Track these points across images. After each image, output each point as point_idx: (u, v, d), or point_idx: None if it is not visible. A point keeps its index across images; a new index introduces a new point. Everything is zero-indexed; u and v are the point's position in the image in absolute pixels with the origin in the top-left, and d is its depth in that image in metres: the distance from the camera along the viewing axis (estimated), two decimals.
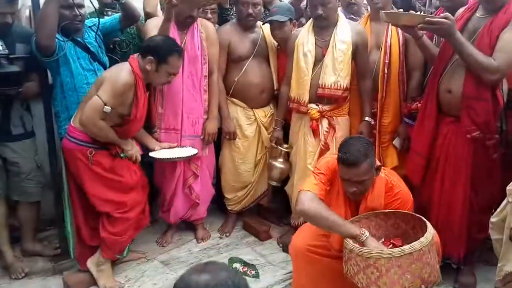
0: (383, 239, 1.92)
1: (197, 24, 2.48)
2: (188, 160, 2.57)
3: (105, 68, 2.41)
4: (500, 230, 1.91)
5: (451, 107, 2.15)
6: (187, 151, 2.48)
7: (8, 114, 2.26)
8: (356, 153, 1.75)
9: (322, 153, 2.50)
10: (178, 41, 2.34)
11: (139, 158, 2.29)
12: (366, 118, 2.49)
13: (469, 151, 2.13)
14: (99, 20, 2.34)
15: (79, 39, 2.29)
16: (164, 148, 2.46)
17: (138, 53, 2.20)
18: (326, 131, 2.49)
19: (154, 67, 2.14)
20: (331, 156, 2.03)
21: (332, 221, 1.78)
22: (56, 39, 2.13)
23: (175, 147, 2.50)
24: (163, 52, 2.13)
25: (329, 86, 2.40)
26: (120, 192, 2.24)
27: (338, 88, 2.41)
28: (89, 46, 2.33)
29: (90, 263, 2.32)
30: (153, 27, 2.31)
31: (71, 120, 2.21)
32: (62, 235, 2.58)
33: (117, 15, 2.47)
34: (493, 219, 1.96)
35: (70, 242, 2.34)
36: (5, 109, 2.24)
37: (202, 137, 2.61)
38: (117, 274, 2.40)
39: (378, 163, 1.87)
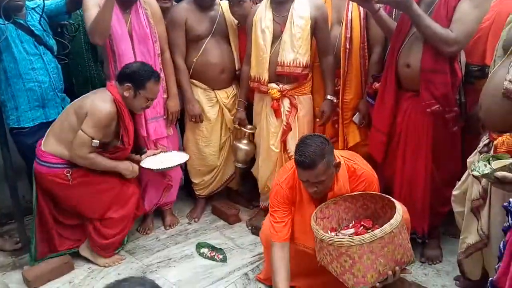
0: (353, 221, 1.92)
1: (139, 1, 2.35)
2: (155, 143, 2.55)
3: (52, 52, 2.28)
4: (462, 203, 1.94)
5: (410, 82, 2.12)
6: (178, 158, 2.53)
7: None
8: (312, 155, 1.70)
9: (284, 133, 2.46)
10: (123, 22, 2.24)
11: (135, 171, 2.34)
12: (328, 97, 2.44)
13: (429, 125, 2.11)
14: (43, 1, 2.20)
15: (21, 21, 2.15)
16: (149, 156, 2.46)
17: (115, 80, 2.20)
18: (288, 111, 2.44)
19: (132, 93, 2.16)
20: (275, 181, 2.00)
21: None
22: None
23: (159, 153, 2.52)
24: (140, 78, 2.15)
25: (288, 64, 2.34)
26: (112, 192, 2.27)
27: (298, 65, 2.34)
28: (33, 28, 2.19)
29: (82, 250, 2.38)
30: (93, 4, 2.16)
31: (41, 145, 2.18)
32: (22, 229, 2.52)
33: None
34: (454, 192, 1.99)
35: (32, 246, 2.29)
36: None
37: (165, 117, 2.55)
38: (80, 266, 2.35)
39: (337, 159, 1.82)
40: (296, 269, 1.99)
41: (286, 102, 2.44)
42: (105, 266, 2.34)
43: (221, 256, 2.43)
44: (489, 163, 1.40)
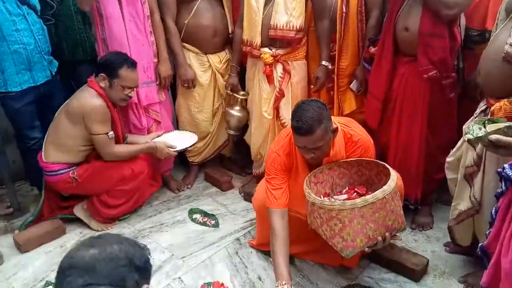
0: (347, 188, 1.91)
1: None
2: (146, 109, 2.51)
3: (35, 12, 2.18)
4: (456, 170, 1.93)
5: (408, 46, 2.07)
6: (187, 137, 2.57)
7: None
8: (309, 121, 1.65)
9: (277, 99, 2.41)
10: None
11: (172, 153, 2.42)
12: (323, 62, 2.37)
13: (425, 91, 2.08)
14: None
15: None
16: (153, 137, 2.48)
17: (93, 74, 2.19)
18: (280, 77, 2.37)
19: (108, 83, 2.15)
20: (272, 149, 1.94)
21: (273, 257, 1.80)
22: None
23: (162, 134, 2.53)
24: (111, 66, 2.13)
25: (281, 27, 2.25)
26: (117, 175, 2.28)
27: (291, 28, 2.25)
28: None
29: (77, 211, 2.37)
30: None
31: (42, 157, 2.24)
32: (13, 193, 2.50)
33: None
34: (449, 158, 1.98)
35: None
36: None
37: (157, 82, 2.49)
38: (72, 230, 2.35)
39: (334, 125, 1.77)
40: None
41: (279, 68, 2.37)
42: (97, 230, 2.34)
43: (213, 222, 2.43)
44: (484, 127, 1.37)
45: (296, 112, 1.70)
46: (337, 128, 1.78)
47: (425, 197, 2.36)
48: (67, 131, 2.19)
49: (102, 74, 2.14)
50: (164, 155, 2.38)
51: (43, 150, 2.27)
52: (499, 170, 1.31)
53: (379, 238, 1.61)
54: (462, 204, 1.87)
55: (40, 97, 2.31)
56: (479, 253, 1.44)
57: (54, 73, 2.36)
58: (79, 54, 2.55)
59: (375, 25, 2.33)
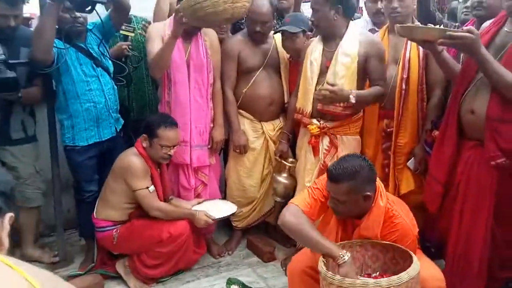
0: (378, 273, 1.76)
1: (200, 32, 2.41)
2: (196, 170, 2.55)
3: (108, 73, 2.36)
4: None
5: (473, 130, 1.94)
6: (227, 206, 2.58)
7: (8, 118, 2.25)
8: (341, 171, 1.65)
9: (321, 172, 2.32)
10: (182, 52, 2.31)
11: (209, 221, 2.38)
12: (351, 90, 2.15)
13: (493, 179, 1.90)
14: (101, 19, 2.25)
15: (81, 45, 2.26)
16: (194, 204, 2.51)
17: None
18: (326, 149, 2.32)
19: (148, 143, 2.25)
20: None
21: (311, 237, 1.67)
22: (56, 48, 2.09)
23: (203, 201, 2.56)
24: (152, 127, 2.24)
25: None
26: (155, 236, 2.29)
27: (338, 104, 2.21)
28: (92, 51, 2.29)
29: (118, 267, 2.39)
30: (156, 35, 2.26)
31: (94, 214, 2.35)
32: (62, 242, 2.56)
33: (108, 12, 2.39)
34: None
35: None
36: (5, 114, 2.24)
37: (209, 146, 2.54)
38: (110, 287, 2.32)
39: (370, 193, 1.69)
40: None
41: (325, 140, 2.32)
42: None
43: None
44: None
45: (339, 159, 1.76)
46: (370, 196, 1.69)
47: None
48: (111, 188, 2.29)
49: (144, 134, 2.26)
50: (202, 224, 2.36)
51: (96, 206, 2.35)
52: None
53: None
54: None
55: (102, 153, 2.44)
56: None
57: (120, 130, 2.50)
58: (146, 114, 2.71)
59: (437, 104, 2.25)
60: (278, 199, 2.63)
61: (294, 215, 1.74)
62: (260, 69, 2.54)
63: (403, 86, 2.27)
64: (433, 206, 2.14)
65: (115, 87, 2.46)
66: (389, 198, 1.80)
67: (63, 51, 2.14)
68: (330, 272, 1.57)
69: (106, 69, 2.36)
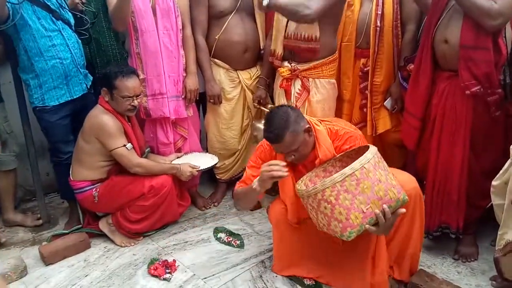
0: None
1: None
2: (175, 124, 2.51)
3: (70, 27, 2.24)
4: (502, 195, 1.76)
5: (447, 60, 1.94)
6: (207, 158, 2.55)
7: None
8: (276, 129, 1.72)
9: None
10: None
11: (195, 172, 2.37)
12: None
13: (468, 109, 1.92)
14: None
15: None
16: (173, 159, 2.49)
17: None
18: (297, 93, 2.29)
19: (109, 96, 2.18)
20: (260, 143, 2.02)
21: (245, 191, 1.91)
22: (9, 3, 1.95)
23: (182, 155, 2.53)
24: (108, 79, 2.15)
25: (289, 36, 2.18)
26: (136, 191, 2.26)
27: (298, 38, 2.15)
28: (49, 3, 2.14)
29: (102, 225, 2.37)
30: None
31: (70, 176, 2.30)
32: (43, 206, 2.54)
33: None
34: (494, 182, 1.81)
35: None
36: None
37: (183, 96, 2.47)
38: (96, 245, 2.33)
39: (306, 125, 1.77)
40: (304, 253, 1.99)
41: (297, 83, 2.28)
42: (121, 245, 2.31)
43: (238, 242, 2.34)
44: None
45: (266, 123, 1.78)
46: (309, 127, 1.79)
47: (468, 226, 2.15)
48: (84, 149, 2.23)
49: (103, 88, 2.17)
50: (187, 177, 2.33)
51: (71, 169, 2.31)
52: None
53: (376, 211, 1.54)
54: (509, 233, 1.71)
55: (75, 111, 2.35)
56: None
57: (90, 87, 2.40)
58: None
59: (411, 39, 2.23)
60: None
61: (236, 193, 2.02)
62: (233, 13, 2.43)
63: (378, 23, 2.23)
64: (410, 143, 2.17)
65: (79, 40, 2.33)
66: (324, 121, 1.91)
67: (16, 7, 2.00)
68: (311, 185, 1.66)
69: (67, 22, 2.22)
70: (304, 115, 1.87)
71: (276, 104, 2.49)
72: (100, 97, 2.22)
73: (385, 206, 1.54)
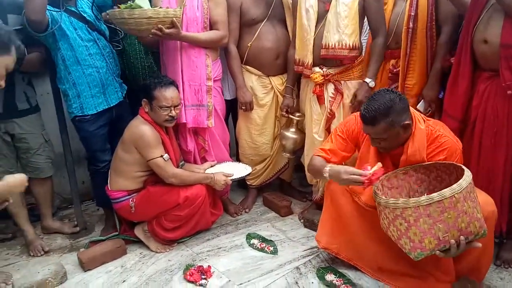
0: (425, 194, 1.75)
1: None
2: (196, 133, 2.51)
3: (105, 37, 2.30)
4: None
5: (488, 60, 1.89)
6: (241, 167, 2.55)
7: (13, 89, 2.21)
8: (374, 112, 1.66)
9: (328, 121, 2.31)
10: (174, 5, 2.24)
11: (229, 181, 2.38)
12: (366, 79, 2.22)
13: (510, 109, 1.87)
14: None
15: (72, 9, 2.18)
16: (206, 168, 2.50)
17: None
18: (331, 97, 2.28)
19: (149, 107, 2.22)
20: (354, 114, 1.99)
21: (316, 169, 1.93)
22: (48, 12, 2.02)
23: (215, 164, 2.54)
24: (148, 90, 2.19)
25: (332, 46, 2.17)
26: (171, 201, 2.27)
27: (343, 47, 2.16)
28: (85, 15, 2.21)
29: (137, 231, 2.40)
30: None
31: (108, 185, 2.34)
32: (80, 213, 2.59)
33: None
34: None
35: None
36: (9, 85, 2.18)
37: (206, 106, 2.43)
38: (132, 251, 2.36)
39: (407, 121, 1.71)
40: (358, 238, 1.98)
41: (330, 88, 2.28)
42: (156, 251, 2.33)
43: (271, 248, 2.32)
44: None
45: (368, 100, 1.73)
46: (409, 124, 1.71)
47: (511, 230, 2.08)
48: (122, 159, 2.27)
49: (144, 99, 2.22)
50: (221, 186, 2.34)
51: (108, 178, 2.35)
52: None
53: (452, 241, 1.49)
54: None
55: (112, 120, 2.40)
56: None
57: (124, 96, 2.45)
58: (140, 82, 2.60)
59: (447, 41, 2.17)
60: (288, 155, 2.61)
61: (313, 160, 1.96)
62: (264, 21, 2.45)
63: (411, 25, 2.19)
64: None
65: (114, 51, 2.40)
66: (428, 120, 1.82)
67: (56, 15, 2.06)
68: (392, 199, 1.60)
69: (102, 33, 2.29)
70: (411, 109, 1.78)
71: (303, 112, 2.49)
72: (140, 108, 2.26)
73: (462, 237, 1.49)
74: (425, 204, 1.47)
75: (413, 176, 1.81)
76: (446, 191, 1.46)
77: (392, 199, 1.60)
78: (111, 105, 2.35)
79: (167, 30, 2.09)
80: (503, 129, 1.90)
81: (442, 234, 1.47)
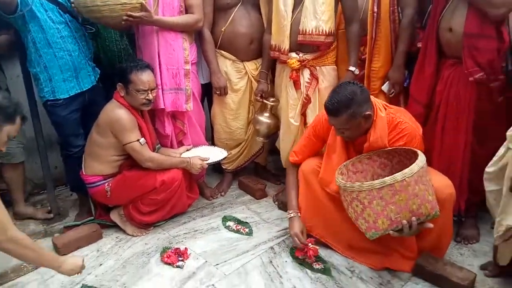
0: None
1: None
2: (174, 117, 2.51)
3: (77, 20, 2.25)
4: (497, 181, 1.77)
5: (452, 48, 1.99)
6: (217, 151, 2.59)
7: None
8: (337, 104, 1.75)
9: (304, 106, 2.37)
10: None
11: (205, 165, 2.41)
12: (350, 68, 2.29)
13: (472, 95, 1.98)
14: None
15: None
16: (182, 152, 2.51)
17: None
18: (307, 82, 2.33)
19: (125, 91, 2.20)
20: (319, 114, 2.11)
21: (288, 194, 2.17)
22: None
23: (191, 148, 2.55)
24: (124, 73, 2.17)
25: (310, 32, 2.21)
26: (148, 185, 2.29)
27: (320, 33, 2.21)
28: None
29: (113, 216, 2.41)
30: None
31: (82, 170, 2.32)
32: (53, 199, 2.57)
33: None
34: (488, 168, 1.80)
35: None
36: None
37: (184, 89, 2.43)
38: (108, 235, 2.37)
39: (368, 112, 1.79)
40: (316, 217, 2.12)
41: (306, 73, 2.33)
42: (132, 235, 2.35)
43: (247, 230, 2.39)
44: None
45: (331, 93, 1.82)
46: (369, 114, 1.80)
47: (470, 209, 2.23)
48: (97, 143, 2.25)
49: (119, 83, 2.20)
50: (197, 169, 2.37)
51: (83, 163, 2.34)
52: None
53: (404, 221, 1.61)
54: (509, 219, 1.71)
55: (85, 105, 2.37)
56: None
57: (97, 80, 2.42)
58: (115, 66, 2.54)
59: (408, 25, 2.24)
60: (261, 139, 2.66)
61: (288, 179, 2.22)
62: (238, 5, 2.45)
63: (375, 9, 2.24)
64: None
65: (86, 34, 2.34)
66: (389, 108, 1.90)
67: None
68: (349, 182, 1.70)
69: (73, 15, 2.22)
70: (372, 98, 1.86)
71: (277, 97, 2.54)
72: (115, 92, 2.24)
73: (413, 218, 1.59)
74: (378, 187, 1.56)
75: (377, 161, 1.91)
76: (398, 175, 1.56)
77: (349, 182, 1.70)
78: (84, 89, 2.31)
79: (137, 14, 2.08)
80: (464, 114, 2.02)
81: (394, 215, 1.57)
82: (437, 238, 1.95)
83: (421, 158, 1.64)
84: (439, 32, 2.00)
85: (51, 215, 2.56)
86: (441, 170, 2.09)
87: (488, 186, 1.84)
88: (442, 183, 1.84)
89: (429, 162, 2.17)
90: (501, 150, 1.76)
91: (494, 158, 1.80)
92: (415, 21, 2.24)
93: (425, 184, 1.61)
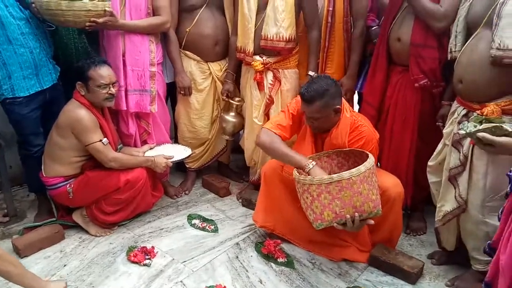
0: None
1: None
2: (138, 117, 2.52)
3: (37, 17, 2.20)
4: (437, 173, 2.02)
5: (400, 56, 2.18)
6: (181, 149, 2.60)
7: None
8: (313, 92, 1.87)
9: (267, 106, 2.48)
10: None
11: (170, 164, 2.43)
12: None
13: (417, 99, 2.18)
14: None
15: None
16: (146, 150, 2.52)
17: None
18: (271, 84, 2.45)
19: (85, 89, 2.18)
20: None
21: (283, 152, 1.97)
22: None
23: (154, 146, 2.57)
24: (81, 71, 2.16)
25: (271, 38, 2.33)
26: (111, 185, 2.28)
27: (280, 39, 2.32)
28: None
29: (76, 216, 2.38)
30: None
31: (42, 172, 2.28)
32: (10, 199, 2.49)
33: None
34: (430, 162, 2.06)
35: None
36: None
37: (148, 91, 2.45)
38: (70, 236, 2.35)
39: (339, 106, 1.94)
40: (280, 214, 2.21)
41: (269, 75, 2.45)
42: (96, 235, 2.34)
43: (212, 227, 2.46)
44: (480, 124, 1.47)
45: (308, 82, 1.93)
46: (339, 109, 1.94)
47: (417, 204, 2.44)
48: (58, 144, 2.22)
49: (78, 82, 2.18)
50: (162, 168, 2.38)
51: (42, 164, 2.29)
52: (509, 173, 1.34)
53: (347, 216, 1.73)
54: (447, 205, 1.93)
55: (45, 104, 2.32)
56: (487, 250, 1.48)
57: (57, 78, 2.37)
58: (73, 63, 2.47)
59: (360, 35, 2.41)
60: (227, 137, 2.74)
61: (268, 135, 2.02)
62: (203, 7, 2.50)
63: (329, 19, 2.39)
64: None
65: (47, 31, 2.28)
66: (353, 112, 2.06)
67: None
68: (302, 175, 1.82)
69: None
70: (343, 99, 1.99)
71: (243, 97, 2.63)
72: (75, 91, 2.20)
73: (356, 214, 1.73)
74: (326, 182, 1.70)
75: (335, 160, 2.06)
76: (345, 173, 1.70)
77: (303, 176, 1.82)
78: (45, 88, 2.26)
79: (101, 20, 2.08)
80: (410, 116, 2.21)
81: (338, 209, 1.72)
82: (389, 232, 2.14)
83: (370, 161, 1.78)
84: (389, 41, 2.19)
85: (7, 219, 2.47)
86: (389, 169, 2.29)
87: (431, 178, 2.08)
88: (392, 183, 2.03)
89: (379, 161, 2.37)
90: (439, 146, 2.00)
91: (434, 154, 2.03)
92: (365, 32, 2.42)
93: (370, 184, 1.75)
